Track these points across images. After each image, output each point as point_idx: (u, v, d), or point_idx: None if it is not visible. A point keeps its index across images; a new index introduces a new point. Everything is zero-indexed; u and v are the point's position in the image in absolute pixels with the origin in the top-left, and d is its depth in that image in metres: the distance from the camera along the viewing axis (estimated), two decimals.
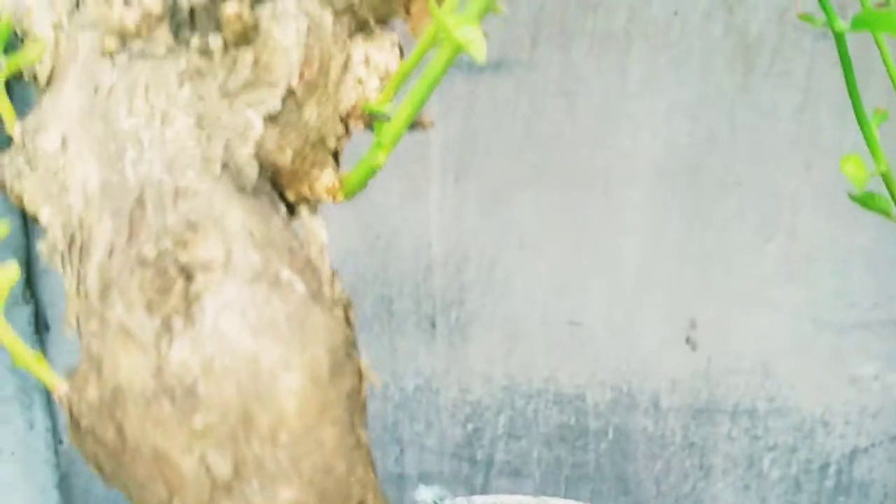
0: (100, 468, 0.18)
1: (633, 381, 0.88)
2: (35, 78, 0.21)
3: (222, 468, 0.16)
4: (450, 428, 0.93)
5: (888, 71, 0.22)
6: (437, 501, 0.78)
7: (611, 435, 0.92)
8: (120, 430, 0.16)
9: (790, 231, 0.87)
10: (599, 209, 0.86)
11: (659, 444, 0.91)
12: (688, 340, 0.91)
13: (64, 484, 1.04)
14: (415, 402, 0.90)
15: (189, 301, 0.16)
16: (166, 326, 0.16)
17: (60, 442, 1.06)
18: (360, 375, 0.19)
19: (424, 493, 0.81)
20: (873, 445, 0.90)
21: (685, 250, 0.92)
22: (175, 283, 0.16)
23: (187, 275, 0.17)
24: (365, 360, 0.19)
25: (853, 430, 0.91)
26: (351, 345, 0.19)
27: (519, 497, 0.44)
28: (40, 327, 1.02)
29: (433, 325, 0.89)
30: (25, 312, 0.99)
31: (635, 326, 0.85)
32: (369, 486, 0.20)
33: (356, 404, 0.19)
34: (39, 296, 0.99)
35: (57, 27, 0.21)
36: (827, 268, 0.92)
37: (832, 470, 1.00)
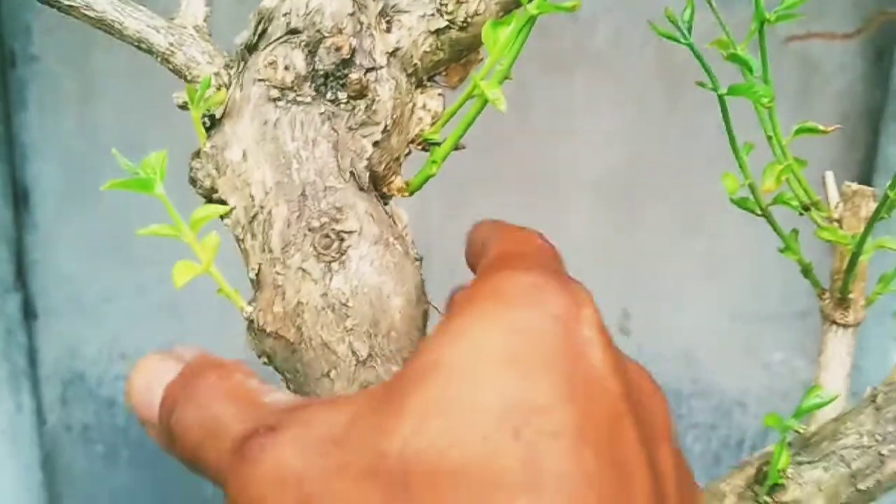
0: (270, 358, 0.29)
1: None
2: (208, 111, 0.31)
3: (362, 351, 0.27)
4: None
5: (761, 121, 0.35)
6: None
7: None
8: (299, 329, 0.28)
9: (711, 235, 1.00)
10: (548, 210, 0.97)
11: None
12: (621, 329, 1.03)
13: (47, 462, 1.11)
14: None
15: (341, 253, 0.28)
16: (328, 268, 0.28)
17: (44, 423, 1.13)
18: (427, 307, 0.30)
19: None
20: None
21: (620, 249, 1.04)
22: (333, 243, 0.28)
23: (340, 238, 0.28)
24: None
25: (766, 410, 1.03)
26: (423, 285, 0.30)
27: None
28: (29, 314, 1.09)
29: None
30: (16, 300, 1.06)
31: None
32: None
33: (425, 322, 0.30)
34: (29, 285, 1.06)
35: (217, 76, 0.32)
36: (743, 267, 1.05)
37: (747, 445, 1.12)
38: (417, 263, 0.30)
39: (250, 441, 0.21)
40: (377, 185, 0.31)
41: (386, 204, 0.31)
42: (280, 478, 0.20)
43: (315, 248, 0.27)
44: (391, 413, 0.20)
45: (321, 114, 0.30)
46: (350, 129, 0.30)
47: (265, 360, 0.29)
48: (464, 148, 0.34)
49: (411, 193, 0.33)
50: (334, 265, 0.28)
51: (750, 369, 1.07)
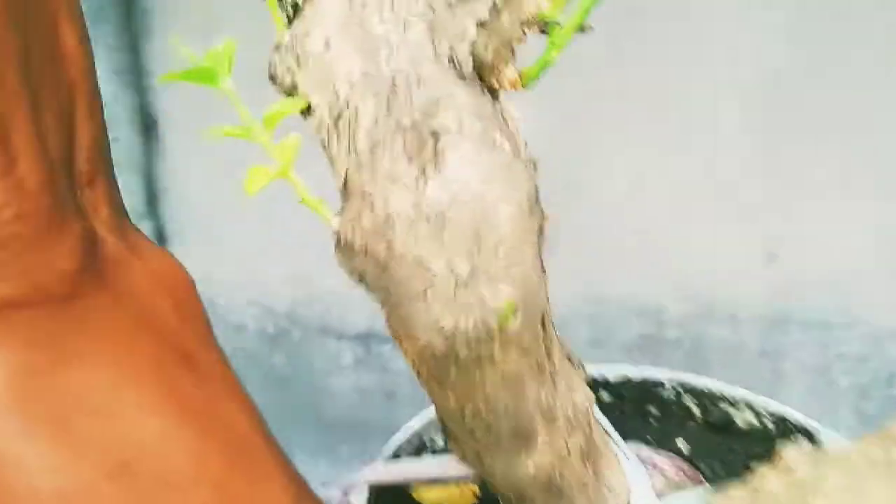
0: (362, 277, 0.25)
1: (712, 294, 0.92)
2: None
3: (463, 270, 0.23)
4: None
5: None
6: None
7: (688, 344, 0.96)
8: (389, 245, 0.24)
9: (875, 147, 0.89)
10: (678, 130, 0.89)
11: (735, 353, 0.95)
12: (769, 256, 0.95)
13: None
14: None
15: (437, 154, 0.23)
16: (422, 173, 0.23)
17: None
18: (542, 218, 0.26)
19: None
20: None
21: (770, 166, 0.95)
22: (427, 143, 0.23)
23: (434, 136, 0.23)
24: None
25: None
26: (537, 193, 0.25)
27: None
28: (161, 241, 1.11)
29: None
30: (147, 227, 1.08)
31: (716, 240, 0.89)
32: (547, 302, 0.27)
33: (541, 239, 0.26)
34: (160, 212, 1.08)
35: None
36: None
37: None
38: (531, 167, 0.25)
39: None
40: (483, 77, 0.26)
41: (494, 98, 0.26)
42: None
43: (406, 149, 0.23)
44: None
45: None
46: (450, 5, 0.25)
47: (357, 279, 0.26)
48: (591, 28, 0.28)
49: (525, 85, 0.28)
50: (429, 169, 0.23)
51: None
